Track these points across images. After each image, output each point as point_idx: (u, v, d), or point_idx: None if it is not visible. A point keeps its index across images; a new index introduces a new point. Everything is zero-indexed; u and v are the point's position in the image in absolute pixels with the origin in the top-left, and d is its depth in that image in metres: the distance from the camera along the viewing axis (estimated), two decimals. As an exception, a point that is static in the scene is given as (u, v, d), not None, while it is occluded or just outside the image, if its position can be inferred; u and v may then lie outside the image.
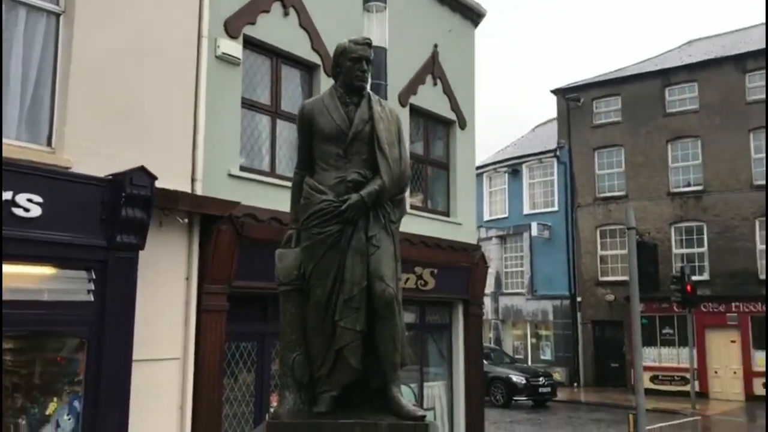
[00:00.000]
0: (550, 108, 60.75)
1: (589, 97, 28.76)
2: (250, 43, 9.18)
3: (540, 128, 35.35)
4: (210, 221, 7.95)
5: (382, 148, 4.01)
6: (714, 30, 57.74)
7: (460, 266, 12.42)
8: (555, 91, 30.05)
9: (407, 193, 11.72)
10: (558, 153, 29.44)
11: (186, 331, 7.79)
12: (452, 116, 12.92)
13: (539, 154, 30.59)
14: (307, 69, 10.08)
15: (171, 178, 7.38)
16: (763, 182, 24.18)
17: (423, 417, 3.79)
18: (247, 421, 8.72)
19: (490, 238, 31.51)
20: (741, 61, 25.17)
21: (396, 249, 4.07)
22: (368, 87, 4.41)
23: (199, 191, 7.97)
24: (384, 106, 4.23)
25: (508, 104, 76.73)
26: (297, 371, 3.93)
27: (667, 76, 26.86)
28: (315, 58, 9.92)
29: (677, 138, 26.22)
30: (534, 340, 30.07)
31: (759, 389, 22.97)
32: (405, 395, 11.37)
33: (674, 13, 73.58)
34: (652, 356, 25.29)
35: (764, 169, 24.31)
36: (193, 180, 7.99)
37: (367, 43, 4.21)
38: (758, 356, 23.32)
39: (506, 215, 31.36)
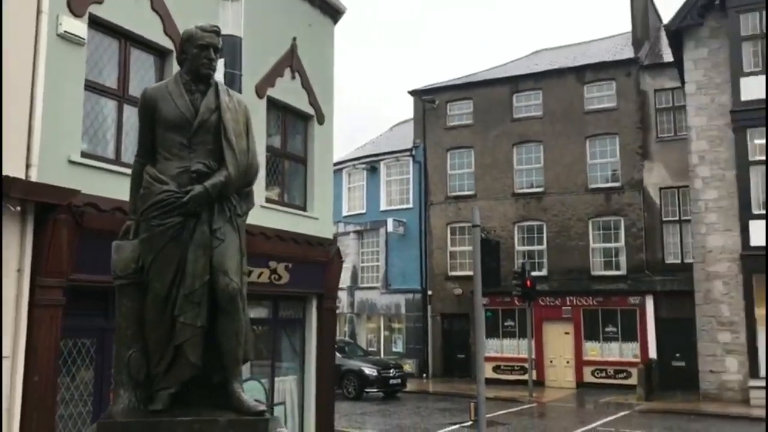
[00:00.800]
0: (408, 108, 62.36)
1: (443, 100, 29.84)
2: (97, 23, 8.68)
3: (398, 127, 36.22)
4: (46, 210, 7.45)
5: (228, 139, 3.94)
6: (558, 42, 61.82)
7: (316, 261, 12.48)
8: (412, 92, 30.90)
9: (263, 186, 11.45)
10: (414, 152, 30.32)
11: (16, 327, 7.26)
12: (310, 110, 12.94)
13: (396, 152, 31.33)
14: (159, 54, 9.70)
15: (3, 163, 6.84)
16: (597, 186, 26.31)
17: (263, 412, 3.79)
18: (85, 422, 8.26)
19: (347, 233, 31.86)
20: (581, 73, 27.16)
21: (242, 242, 4.03)
22: (220, 76, 4.34)
23: (34, 177, 7.44)
24: (232, 96, 4.16)
25: (370, 103, 77.85)
26: (133, 368, 3.78)
27: (515, 83, 28.44)
28: (167, 43, 9.55)
29: (522, 142, 27.86)
30: (387, 333, 30.80)
31: (588, 377, 24.99)
32: (255, 391, 11.21)
33: (522, 22, 77.93)
34: (494, 347, 26.79)
35: (598, 174, 26.49)
36: (27, 165, 7.45)
37: (215, 31, 4.12)
38: (589, 347, 25.38)
39: (364, 211, 31.85)
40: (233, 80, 7.36)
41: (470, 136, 28.98)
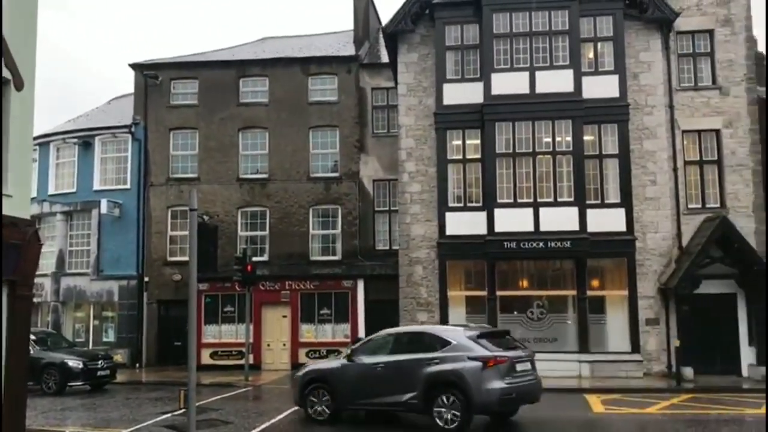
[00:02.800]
0: (129, 82, 58.54)
1: (167, 77, 28.63)
2: None
3: (116, 101, 33.88)
4: None
5: None
6: (283, 31, 62.91)
7: (8, 243, 11.18)
8: (133, 66, 29.13)
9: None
10: (133, 129, 28.64)
11: None
12: (6, 74, 11.51)
13: (113, 128, 29.29)
14: None
15: None
16: (318, 175, 27.42)
17: None
18: None
19: (54, 214, 29.15)
20: (306, 65, 28.01)
21: None
22: None
23: None
24: None
25: (85, 74, 71.53)
26: None
27: (242, 67, 28.35)
28: None
29: (248, 127, 27.93)
30: (97, 323, 28.78)
31: (303, 358, 25.93)
32: None
33: (249, 6, 77.70)
34: (213, 333, 26.60)
35: (319, 163, 27.62)
36: None
37: None
38: (305, 329, 26.39)
39: (74, 190, 29.24)
40: None
41: (195, 117, 28.27)
